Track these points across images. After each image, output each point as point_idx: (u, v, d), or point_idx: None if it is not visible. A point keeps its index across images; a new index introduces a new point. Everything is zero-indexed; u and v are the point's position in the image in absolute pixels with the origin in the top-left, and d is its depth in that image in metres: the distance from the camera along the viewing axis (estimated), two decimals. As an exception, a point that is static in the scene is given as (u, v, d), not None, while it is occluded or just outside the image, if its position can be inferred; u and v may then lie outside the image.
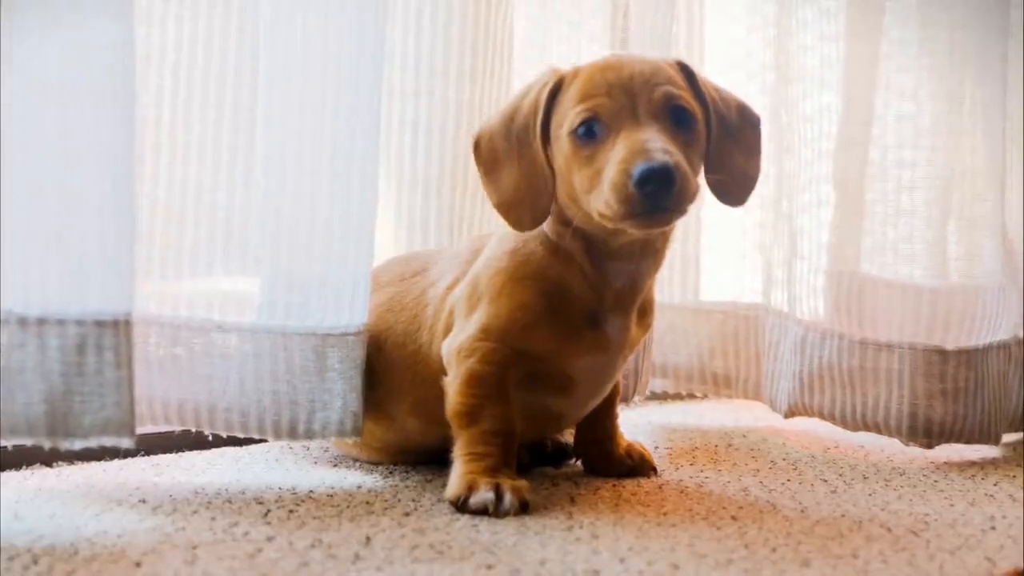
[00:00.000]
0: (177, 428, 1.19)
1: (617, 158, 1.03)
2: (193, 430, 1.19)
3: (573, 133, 1.07)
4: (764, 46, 1.59)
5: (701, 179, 1.12)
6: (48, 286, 1.00)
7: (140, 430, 1.27)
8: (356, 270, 1.18)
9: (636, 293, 1.15)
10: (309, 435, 1.18)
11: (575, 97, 1.08)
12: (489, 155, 1.14)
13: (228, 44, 1.19)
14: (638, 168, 1.00)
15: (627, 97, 1.06)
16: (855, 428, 1.45)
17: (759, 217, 1.61)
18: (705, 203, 1.65)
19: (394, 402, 1.20)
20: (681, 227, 1.62)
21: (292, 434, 1.17)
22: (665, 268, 1.54)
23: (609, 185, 1.03)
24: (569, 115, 1.08)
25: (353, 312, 1.18)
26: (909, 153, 1.48)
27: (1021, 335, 1.51)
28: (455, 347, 1.13)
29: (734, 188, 1.15)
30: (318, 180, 1.16)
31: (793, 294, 1.51)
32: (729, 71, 1.64)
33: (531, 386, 1.15)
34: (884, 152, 1.48)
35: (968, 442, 1.42)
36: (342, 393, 1.17)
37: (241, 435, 1.18)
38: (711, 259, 1.68)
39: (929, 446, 1.42)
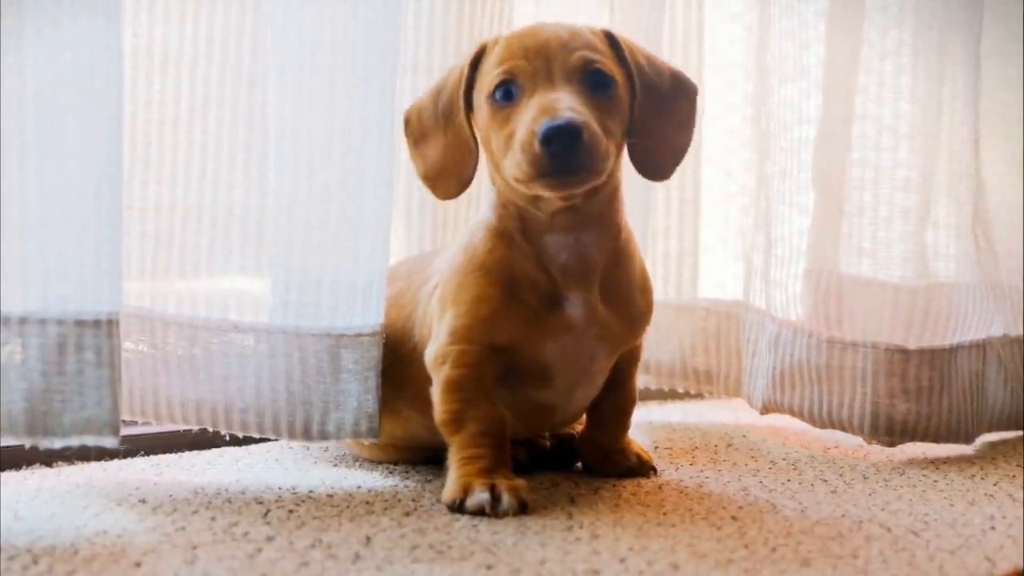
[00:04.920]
0: (195, 427, 1.19)
1: (527, 118, 1.04)
2: (195, 428, 1.19)
3: (491, 97, 1.09)
4: (747, 49, 1.60)
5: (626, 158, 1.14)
6: (30, 286, 1.00)
7: (143, 430, 1.29)
8: (370, 269, 1.18)
9: (588, 268, 1.13)
10: (324, 436, 1.18)
11: (494, 62, 1.10)
12: (418, 129, 1.16)
13: (243, 41, 1.20)
14: (542, 126, 1.01)
15: (543, 60, 1.07)
16: (823, 426, 1.45)
17: (744, 216, 1.61)
18: (702, 201, 1.67)
19: (398, 394, 1.21)
20: (674, 222, 1.64)
21: (307, 435, 1.18)
22: (650, 265, 1.54)
23: (519, 145, 1.04)
24: (487, 79, 1.10)
25: (367, 312, 1.17)
26: (884, 155, 1.48)
27: (1013, 334, 1.52)
28: (431, 355, 1.14)
29: (658, 159, 1.15)
30: (331, 178, 1.16)
31: (770, 292, 1.51)
32: (725, 69, 1.65)
33: (512, 380, 1.15)
34: (863, 152, 1.48)
35: (935, 441, 1.42)
36: (356, 394, 1.17)
37: (257, 435, 1.19)
38: (701, 257, 1.68)
39: (891, 444, 1.42)
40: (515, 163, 1.05)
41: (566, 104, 1.03)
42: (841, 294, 1.48)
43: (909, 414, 1.41)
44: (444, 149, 1.14)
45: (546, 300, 1.13)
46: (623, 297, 1.17)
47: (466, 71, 1.13)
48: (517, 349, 1.13)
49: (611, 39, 1.14)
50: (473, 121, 1.13)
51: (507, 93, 1.08)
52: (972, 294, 1.48)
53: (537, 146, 1.02)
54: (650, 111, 1.13)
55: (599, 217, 1.14)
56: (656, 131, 1.14)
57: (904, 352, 1.41)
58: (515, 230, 1.13)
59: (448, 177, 1.15)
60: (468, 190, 1.29)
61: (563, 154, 1.02)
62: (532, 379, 1.15)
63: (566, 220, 1.12)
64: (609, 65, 1.09)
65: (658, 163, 1.16)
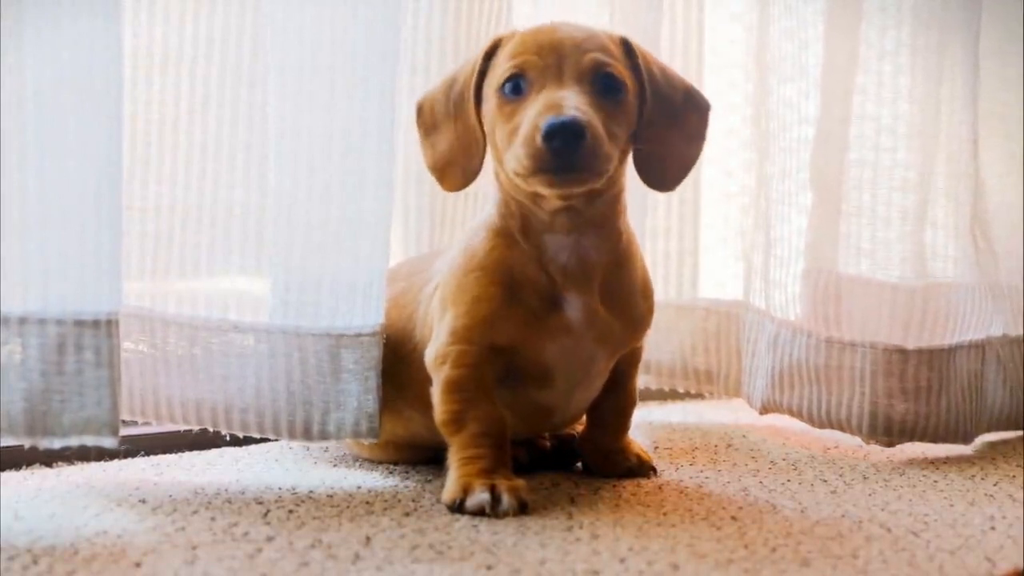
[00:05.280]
0: (195, 427, 1.20)
1: (532, 113, 1.04)
2: (195, 428, 1.20)
3: (500, 89, 1.09)
4: (747, 49, 1.60)
5: (630, 165, 1.14)
6: (30, 286, 1.00)
7: (143, 430, 1.29)
8: (370, 269, 1.18)
9: (588, 270, 1.13)
10: (324, 436, 1.18)
11: (506, 56, 1.10)
12: (430, 119, 1.17)
13: (243, 41, 1.20)
14: (546, 121, 1.02)
15: (555, 58, 1.08)
16: (821, 426, 1.45)
17: (744, 216, 1.61)
18: (702, 201, 1.67)
19: (398, 394, 1.21)
20: (674, 222, 1.64)
21: (307, 435, 1.18)
22: (650, 265, 1.54)
23: (521, 139, 1.04)
24: (498, 72, 1.10)
25: (367, 312, 1.18)
26: (883, 155, 1.48)
27: (1012, 334, 1.52)
28: (432, 355, 1.14)
29: (664, 169, 1.16)
30: (331, 178, 1.16)
31: (770, 292, 1.51)
32: (725, 69, 1.65)
33: (512, 381, 1.15)
34: (861, 152, 1.48)
35: (933, 441, 1.42)
36: (357, 394, 1.17)
37: (257, 435, 1.19)
38: (701, 257, 1.68)
39: (890, 444, 1.43)
40: (516, 156, 1.05)
41: (572, 103, 1.03)
42: (840, 294, 1.48)
43: (908, 414, 1.41)
44: (453, 140, 1.14)
45: (546, 301, 1.13)
46: (624, 300, 1.17)
47: (479, 63, 1.13)
48: (517, 350, 1.13)
49: (627, 46, 1.14)
50: (482, 114, 1.13)
51: (516, 87, 1.08)
52: (971, 294, 1.48)
53: (539, 141, 1.02)
54: (659, 121, 1.13)
55: (601, 221, 1.14)
56: (664, 142, 1.14)
57: (903, 352, 1.42)
58: (516, 229, 1.13)
59: (455, 168, 1.15)
60: (471, 190, 1.30)
61: (564, 151, 1.02)
62: (532, 380, 1.15)
63: (567, 221, 1.12)
64: (621, 70, 1.10)
65: (663, 174, 1.16)
